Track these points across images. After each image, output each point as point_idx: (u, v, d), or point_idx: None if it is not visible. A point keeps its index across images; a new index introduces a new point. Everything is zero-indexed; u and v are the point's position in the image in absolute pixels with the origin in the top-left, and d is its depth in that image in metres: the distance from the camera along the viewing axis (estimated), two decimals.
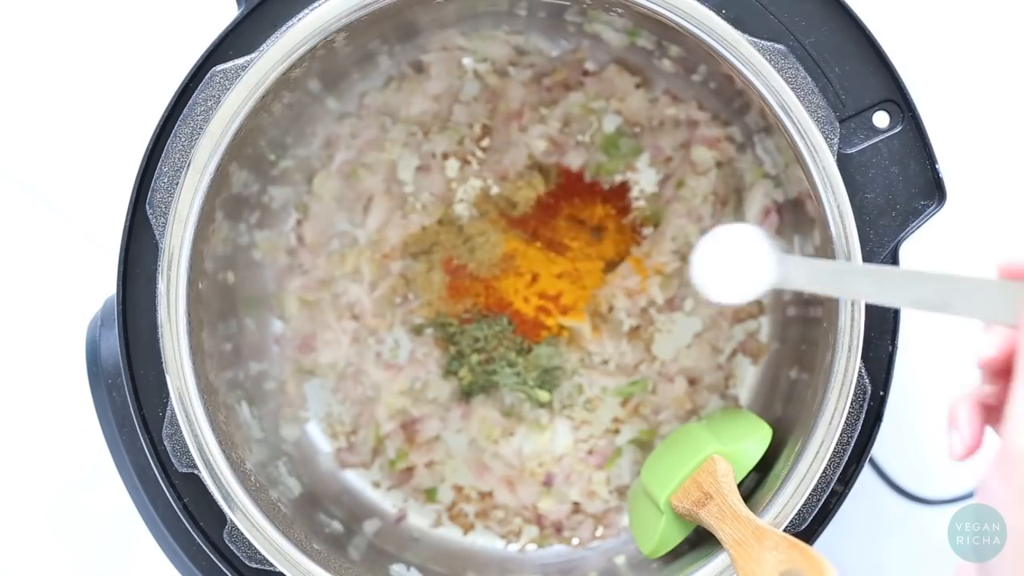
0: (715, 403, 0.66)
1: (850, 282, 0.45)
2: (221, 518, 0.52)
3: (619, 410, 0.66)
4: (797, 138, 0.51)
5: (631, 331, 0.66)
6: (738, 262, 0.47)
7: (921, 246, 0.65)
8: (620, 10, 0.56)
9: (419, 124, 0.66)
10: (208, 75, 0.52)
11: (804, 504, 0.52)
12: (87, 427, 0.59)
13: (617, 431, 0.66)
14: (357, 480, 0.66)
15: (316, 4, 0.52)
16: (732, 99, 0.61)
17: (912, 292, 0.41)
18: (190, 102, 0.52)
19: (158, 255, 0.52)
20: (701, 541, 0.57)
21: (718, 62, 0.52)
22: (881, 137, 0.52)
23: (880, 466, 0.70)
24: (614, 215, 0.66)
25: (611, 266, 0.66)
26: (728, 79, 0.55)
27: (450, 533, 0.66)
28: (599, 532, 0.66)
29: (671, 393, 0.66)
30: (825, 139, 0.51)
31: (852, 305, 0.50)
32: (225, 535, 0.52)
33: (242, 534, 0.52)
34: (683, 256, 0.66)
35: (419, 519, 0.66)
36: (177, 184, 0.51)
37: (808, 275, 0.45)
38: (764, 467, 0.56)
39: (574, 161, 0.66)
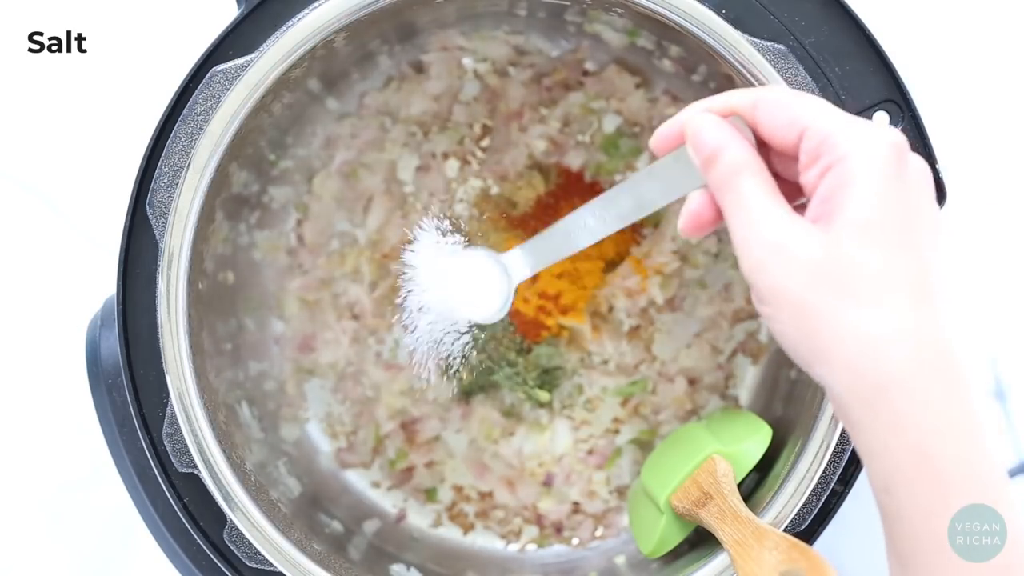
0: (715, 403, 0.66)
1: (570, 235, 0.47)
2: (221, 518, 0.52)
3: (619, 410, 0.66)
4: None
5: (631, 331, 0.66)
6: (482, 281, 0.51)
7: None
8: (620, 10, 0.56)
9: (419, 124, 0.66)
10: (208, 75, 0.52)
11: (804, 504, 0.52)
12: (87, 427, 0.59)
13: (617, 431, 0.66)
14: (357, 480, 0.66)
15: (316, 4, 0.52)
16: None
17: (612, 212, 0.45)
18: (190, 102, 0.52)
19: (158, 255, 0.52)
20: (701, 541, 0.57)
21: (718, 62, 0.52)
22: None
23: None
24: None
25: (611, 266, 0.66)
26: (728, 79, 0.55)
27: (450, 533, 0.66)
28: (599, 532, 0.66)
29: (671, 393, 0.66)
30: None
31: None
32: (225, 535, 0.52)
33: (242, 534, 0.52)
34: (683, 256, 0.66)
35: (419, 519, 0.66)
36: (177, 184, 0.51)
37: (542, 253, 0.49)
38: (764, 467, 0.56)
39: (574, 161, 0.66)
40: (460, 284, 0.51)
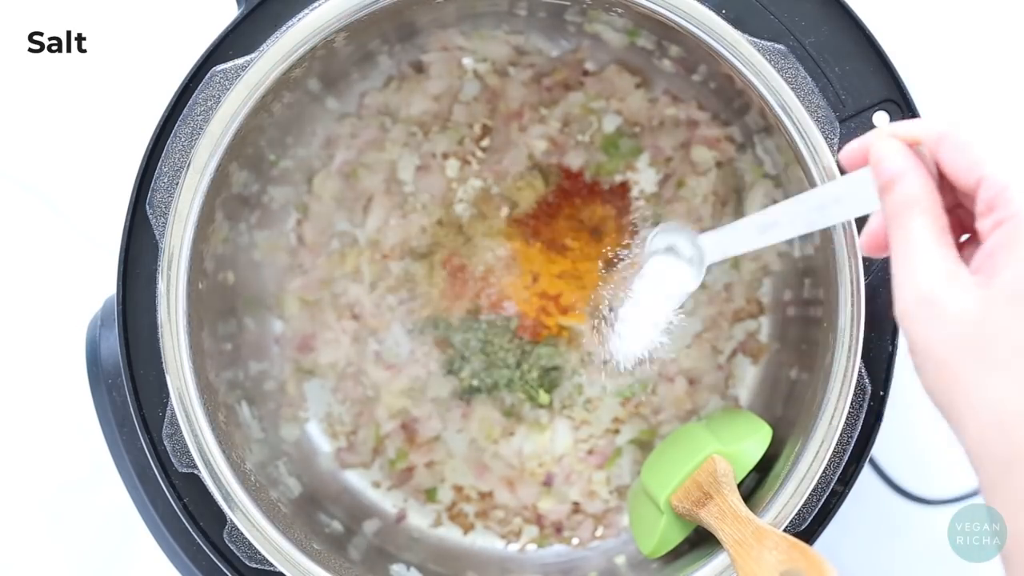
0: (715, 403, 0.66)
1: (761, 229, 0.46)
2: (221, 518, 0.52)
3: (619, 410, 0.66)
4: (797, 138, 0.51)
5: None
6: (675, 264, 0.51)
7: None
8: (620, 10, 0.56)
9: (419, 124, 0.66)
10: (208, 75, 0.52)
11: (804, 504, 0.52)
12: (87, 427, 0.59)
13: (617, 431, 0.66)
14: (357, 480, 0.66)
15: (316, 4, 0.52)
16: (732, 99, 0.61)
17: (801, 214, 0.44)
18: (190, 102, 0.52)
19: (158, 255, 0.52)
20: (701, 541, 0.57)
21: (718, 62, 0.52)
22: None
23: (880, 466, 0.70)
24: (614, 215, 0.66)
25: (611, 266, 0.66)
26: (728, 79, 0.55)
27: (450, 533, 0.66)
28: (599, 532, 0.66)
29: (671, 393, 0.66)
30: (825, 139, 0.51)
31: (852, 304, 0.51)
32: (225, 535, 0.52)
33: (242, 534, 0.52)
34: None
35: (419, 519, 0.66)
36: (177, 184, 0.51)
37: (733, 242, 0.48)
38: (764, 467, 0.56)
39: (574, 161, 0.66)
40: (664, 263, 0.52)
